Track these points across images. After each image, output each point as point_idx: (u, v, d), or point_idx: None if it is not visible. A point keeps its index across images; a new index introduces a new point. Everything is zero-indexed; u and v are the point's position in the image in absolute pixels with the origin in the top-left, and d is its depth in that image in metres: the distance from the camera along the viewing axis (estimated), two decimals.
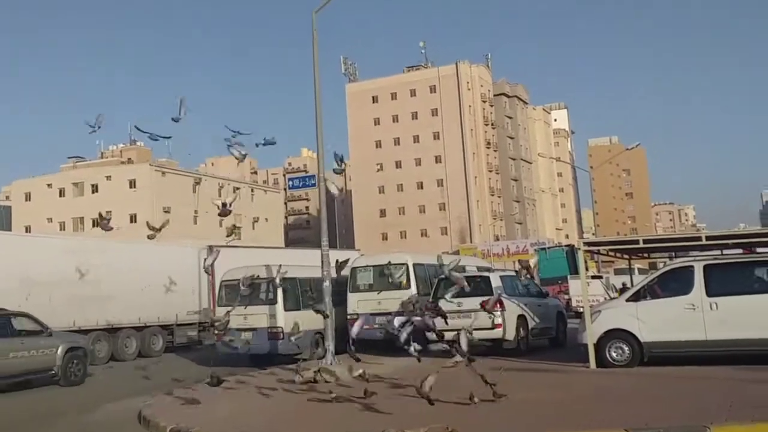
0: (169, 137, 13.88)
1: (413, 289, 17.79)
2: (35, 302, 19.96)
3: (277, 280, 16.32)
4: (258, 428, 9.02)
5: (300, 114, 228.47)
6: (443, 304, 16.05)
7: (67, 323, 21.04)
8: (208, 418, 9.76)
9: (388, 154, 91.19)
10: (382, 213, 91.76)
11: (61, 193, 70.93)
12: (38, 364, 15.22)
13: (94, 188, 69.58)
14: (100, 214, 15.47)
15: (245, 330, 17.26)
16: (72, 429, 10.72)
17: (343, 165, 15.45)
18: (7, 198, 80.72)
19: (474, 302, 16.06)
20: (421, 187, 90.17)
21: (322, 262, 15.00)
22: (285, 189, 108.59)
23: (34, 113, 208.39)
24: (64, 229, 67.71)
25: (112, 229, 14.61)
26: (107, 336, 22.32)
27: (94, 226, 67.55)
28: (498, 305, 15.98)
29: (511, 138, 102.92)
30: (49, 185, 71.85)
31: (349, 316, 17.79)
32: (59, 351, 15.71)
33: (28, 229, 63.81)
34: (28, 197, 72.20)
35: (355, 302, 17.98)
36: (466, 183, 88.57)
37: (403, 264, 18.27)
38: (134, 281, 23.04)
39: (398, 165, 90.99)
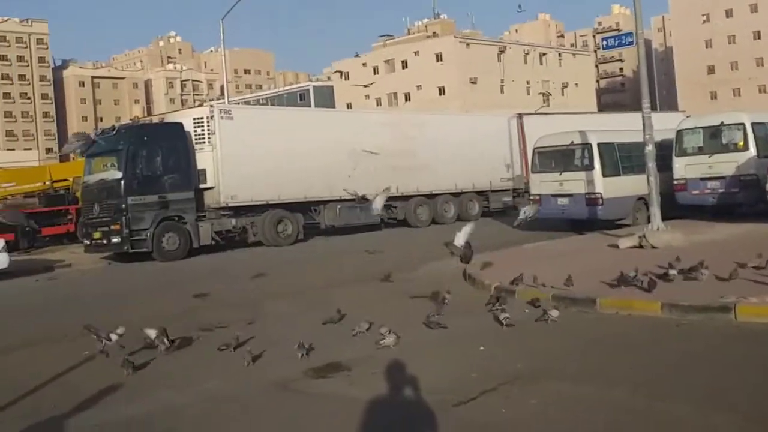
0: None
1: (752, 151, 15.72)
2: (361, 172, 21.76)
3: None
4: (581, 287, 8.69)
5: None
6: None
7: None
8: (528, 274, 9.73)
9: (716, 1, 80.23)
10: (710, 69, 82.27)
11: (375, 70, 75.23)
12: None
13: (404, 64, 72.51)
14: None
15: (562, 196, 17.03)
16: (400, 283, 11.47)
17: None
18: (329, 78, 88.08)
19: None
20: (758, 37, 78.32)
21: (644, 125, 13.72)
22: (595, 51, 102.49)
23: None
24: (380, 105, 72.26)
25: None
26: (427, 201, 23.65)
27: (406, 100, 71.23)
28: None
29: None
30: (364, 64, 76.57)
31: (675, 181, 16.44)
32: None
33: (348, 106, 69.29)
34: (346, 76, 77.95)
35: (683, 167, 16.51)
36: None
37: (739, 124, 16.15)
38: (448, 151, 23.80)
39: (728, 14, 79.79)
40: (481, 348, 6.96)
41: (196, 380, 6.61)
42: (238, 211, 19.79)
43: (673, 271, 9.00)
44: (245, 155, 19.44)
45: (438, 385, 5.79)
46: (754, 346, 6.38)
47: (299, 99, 79.37)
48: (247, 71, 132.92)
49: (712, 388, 5.33)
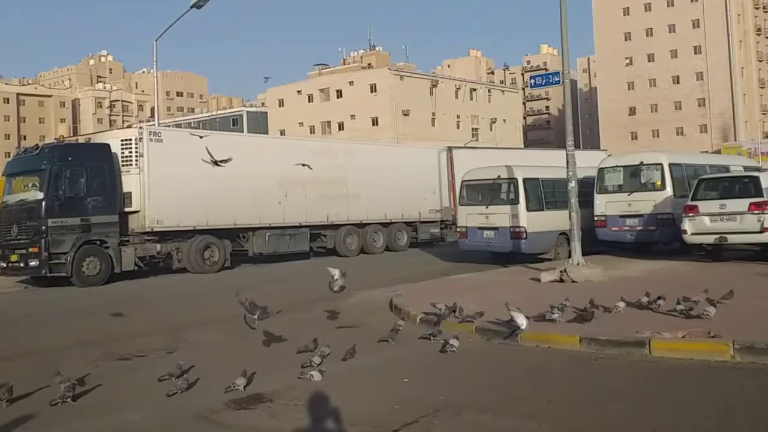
0: None
1: (669, 191, 16.43)
2: (293, 199, 21.73)
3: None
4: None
5: (539, 9, 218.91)
6: (705, 207, 14.67)
7: (320, 218, 22.67)
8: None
9: (639, 46, 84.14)
10: (632, 111, 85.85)
11: (310, 98, 75.45)
12: None
13: (339, 93, 73.06)
14: None
15: (487, 229, 17.35)
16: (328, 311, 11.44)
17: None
18: (263, 104, 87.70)
19: (740, 204, 14.56)
20: (677, 82, 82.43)
21: (568, 162, 14.20)
22: (524, 89, 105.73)
23: (282, 24, 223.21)
24: (313, 132, 72.34)
25: None
26: (357, 231, 23.72)
27: (339, 129, 71.58)
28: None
29: None
30: (299, 92, 76.73)
31: (596, 218, 16.99)
32: None
33: (282, 133, 69.00)
34: (281, 103, 77.77)
35: (603, 204, 17.09)
36: (731, 75, 79.16)
37: (657, 164, 16.88)
38: (378, 181, 24.02)
39: (650, 58, 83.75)
40: (405, 380, 6.99)
41: (116, 410, 6.40)
42: (164, 236, 19.36)
43: (621, 304, 9.21)
44: (173, 179, 19.09)
45: (360, 417, 5.79)
46: (665, 382, 6.60)
47: (232, 124, 78.63)
48: (179, 94, 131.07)
49: (625, 424, 5.49)
